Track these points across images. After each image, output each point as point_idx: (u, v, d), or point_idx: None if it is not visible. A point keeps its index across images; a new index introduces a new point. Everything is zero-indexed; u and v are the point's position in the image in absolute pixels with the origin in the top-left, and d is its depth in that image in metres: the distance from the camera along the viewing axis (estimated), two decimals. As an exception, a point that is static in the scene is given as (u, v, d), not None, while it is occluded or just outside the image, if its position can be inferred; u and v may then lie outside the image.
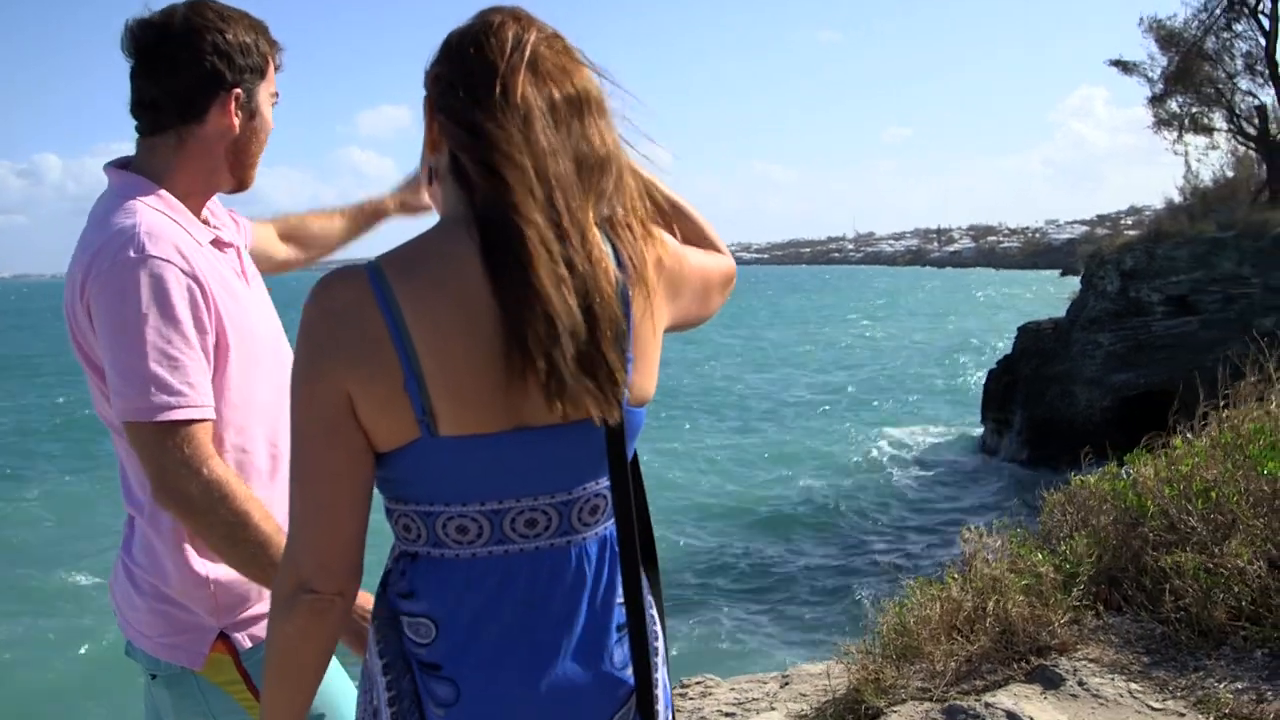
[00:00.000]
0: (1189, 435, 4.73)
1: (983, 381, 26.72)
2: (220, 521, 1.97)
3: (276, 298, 2.36)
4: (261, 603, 2.14)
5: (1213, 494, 3.99)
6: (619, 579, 1.58)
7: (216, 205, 2.32)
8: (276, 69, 2.25)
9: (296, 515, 1.51)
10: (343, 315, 1.44)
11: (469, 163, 1.46)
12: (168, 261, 1.99)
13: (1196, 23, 25.17)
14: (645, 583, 1.65)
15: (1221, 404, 4.92)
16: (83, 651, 13.68)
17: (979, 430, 26.78)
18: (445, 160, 1.53)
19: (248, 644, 2.13)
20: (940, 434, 28.60)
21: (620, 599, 1.58)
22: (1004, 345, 29.57)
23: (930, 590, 4.26)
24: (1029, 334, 24.86)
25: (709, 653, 12.52)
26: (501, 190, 1.42)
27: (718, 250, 1.89)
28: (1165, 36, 25.66)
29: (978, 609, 3.96)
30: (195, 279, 2.02)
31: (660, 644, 1.68)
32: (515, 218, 1.40)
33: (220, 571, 2.10)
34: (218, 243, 2.20)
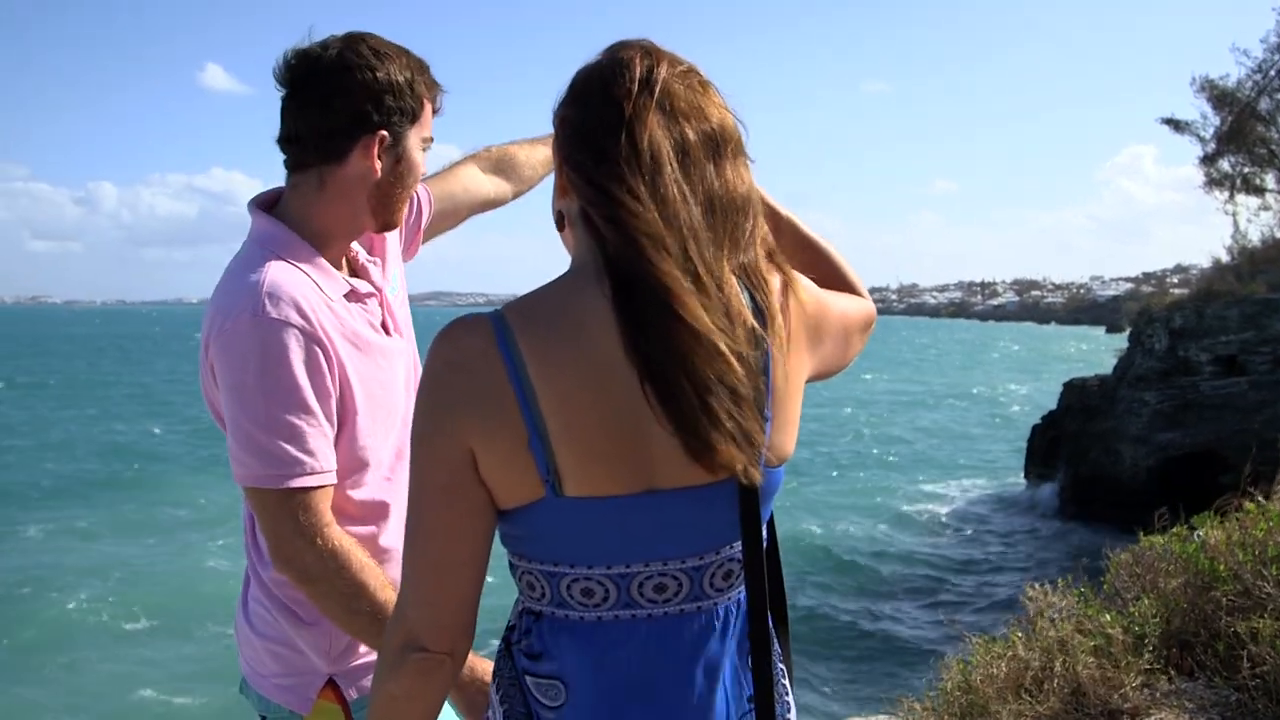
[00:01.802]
0: (1261, 499, 4.64)
1: (1026, 437, 26.51)
2: (336, 591, 1.94)
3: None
4: (374, 653, 2.10)
5: (1288, 560, 3.91)
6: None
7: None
8: (435, 112, 2.17)
9: (410, 571, 1.45)
10: (464, 366, 1.39)
11: (596, 217, 1.39)
12: (287, 324, 1.93)
13: (1250, 83, 25.07)
14: (777, 651, 1.59)
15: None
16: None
17: (1021, 485, 26.56)
18: (575, 206, 1.46)
19: (354, 694, 2.10)
20: (982, 488, 28.37)
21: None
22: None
23: (994, 648, 4.20)
24: (1074, 390, 24.67)
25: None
26: (632, 245, 1.34)
27: (857, 292, 1.81)
28: (1218, 96, 25.56)
29: (1045, 669, 3.89)
30: (317, 340, 1.96)
31: (792, 715, 1.61)
32: (649, 273, 1.33)
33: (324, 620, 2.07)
34: (354, 295, 2.11)
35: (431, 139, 2.17)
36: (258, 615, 2.14)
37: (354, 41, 2.05)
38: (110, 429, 40.81)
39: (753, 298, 1.44)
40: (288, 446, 1.91)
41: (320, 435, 1.96)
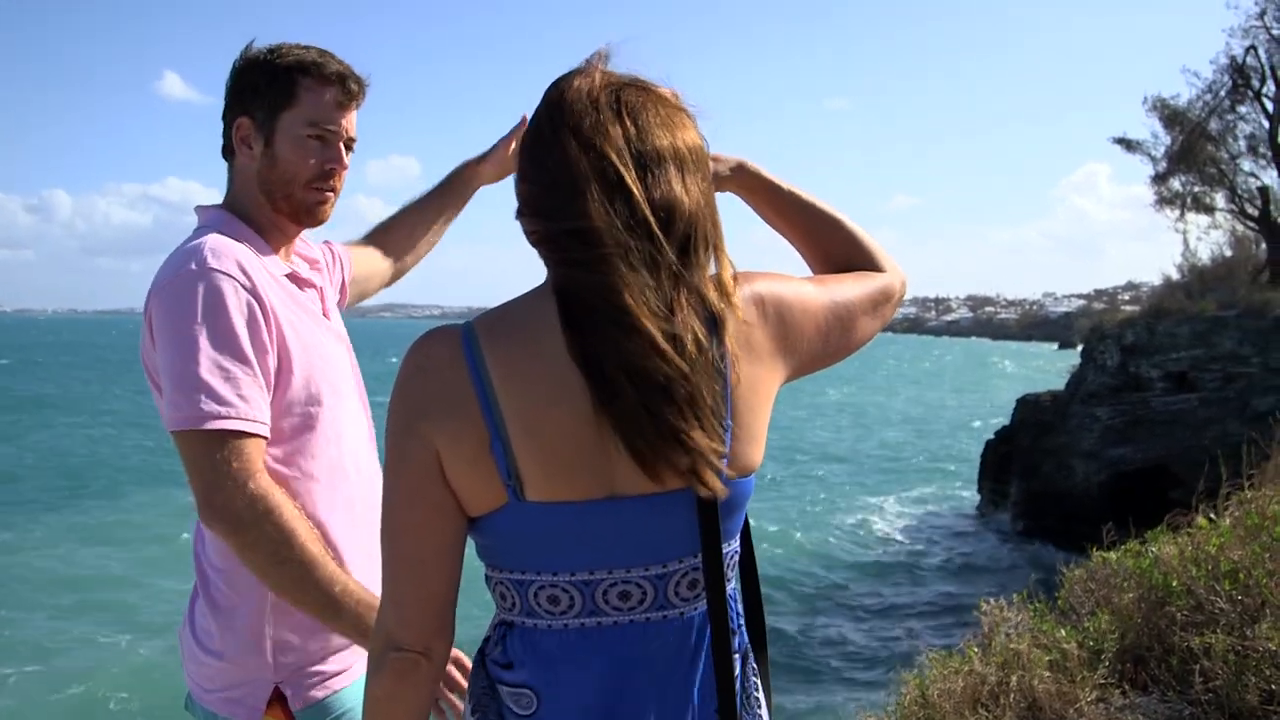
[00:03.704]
0: (1212, 515, 4.70)
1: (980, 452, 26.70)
2: (265, 538, 1.93)
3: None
4: (321, 663, 2.11)
5: (1240, 575, 3.96)
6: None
7: (304, 244, 2.34)
8: (344, 105, 2.19)
9: (385, 572, 1.49)
10: (432, 373, 1.44)
11: (540, 241, 1.46)
12: (227, 275, 1.99)
13: (1201, 104, 25.49)
14: (753, 667, 1.59)
15: (1245, 484, 4.91)
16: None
17: (975, 500, 26.74)
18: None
19: (299, 705, 2.09)
20: (935, 502, 28.55)
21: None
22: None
23: (951, 662, 4.23)
24: (1028, 405, 24.87)
25: None
26: (572, 251, 1.39)
27: (871, 264, 1.79)
28: (1169, 116, 25.96)
29: (1001, 683, 3.92)
30: (256, 296, 2.01)
31: None
32: (589, 290, 1.37)
33: (279, 632, 2.07)
34: (295, 278, 2.18)
35: (335, 130, 2.19)
36: (204, 630, 2.12)
37: (250, 47, 2.20)
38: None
39: (708, 309, 1.44)
40: (220, 389, 1.92)
41: (254, 385, 1.97)
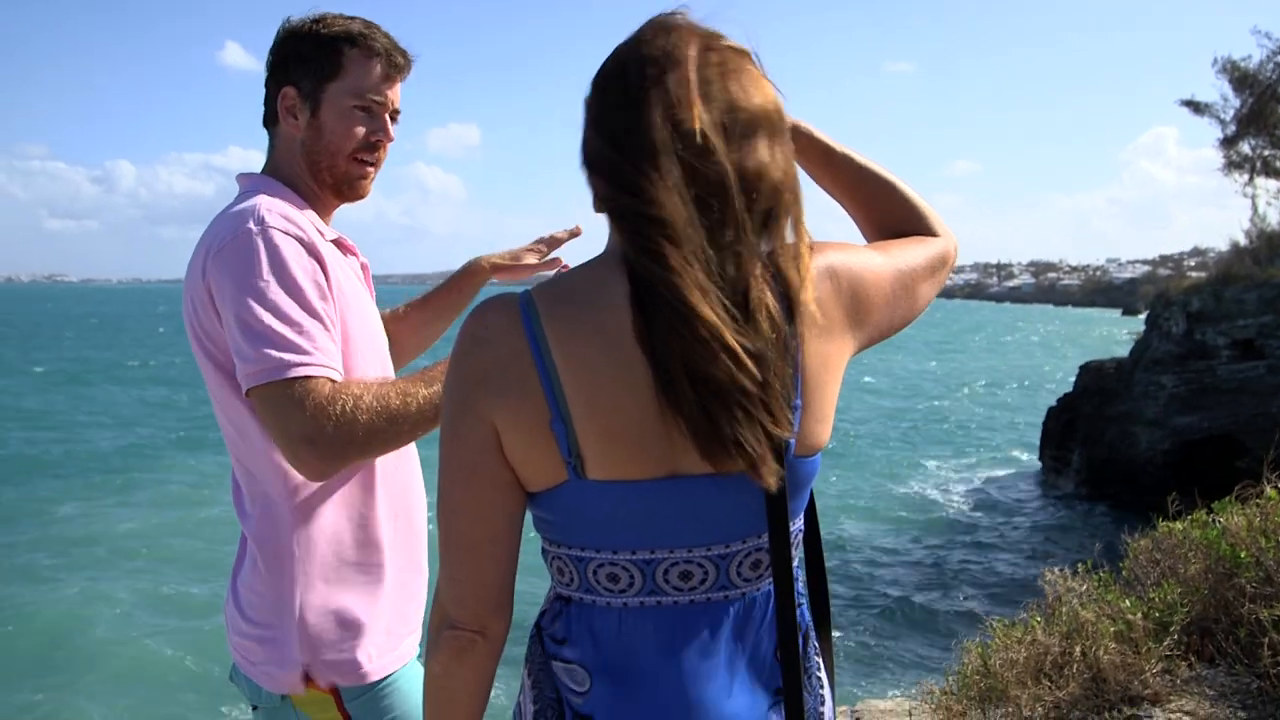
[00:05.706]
0: (1281, 485, 4.62)
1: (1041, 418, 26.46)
2: (374, 438, 1.91)
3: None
4: (367, 639, 2.09)
5: (1311, 547, 3.90)
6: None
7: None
8: (389, 78, 2.19)
9: (440, 549, 1.46)
10: (490, 343, 1.39)
11: (609, 209, 1.40)
12: (285, 232, 1.98)
13: (1272, 65, 24.86)
14: (815, 645, 1.57)
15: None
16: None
17: (1035, 467, 26.52)
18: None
19: (343, 680, 2.07)
20: (996, 469, 28.33)
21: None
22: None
23: (1014, 632, 4.20)
24: (1090, 372, 24.58)
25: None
26: (644, 241, 1.32)
27: (925, 228, 1.75)
28: (1239, 78, 25.34)
29: (1065, 654, 3.89)
30: (314, 252, 2.01)
31: (826, 708, 1.56)
32: (658, 272, 1.31)
33: (324, 606, 2.06)
34: (340, 244, 2.17)
35: (381, 102, 2.19)
36: (248, 603, 2.11)
37: (296, 17, 2.18)
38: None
39: (781, 285, 1.40)
40: (294, 339, 1.91)
41: (326, 336, 1.96)
